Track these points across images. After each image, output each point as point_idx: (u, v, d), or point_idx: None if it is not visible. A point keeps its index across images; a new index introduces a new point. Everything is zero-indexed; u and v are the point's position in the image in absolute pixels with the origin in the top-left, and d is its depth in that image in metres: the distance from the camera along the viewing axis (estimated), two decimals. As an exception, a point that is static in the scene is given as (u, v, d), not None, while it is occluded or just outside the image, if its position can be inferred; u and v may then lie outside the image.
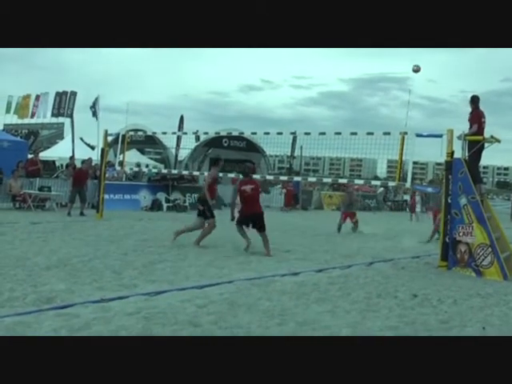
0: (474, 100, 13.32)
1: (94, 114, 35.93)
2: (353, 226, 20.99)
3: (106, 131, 21.72)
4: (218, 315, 7.23)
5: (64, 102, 41.98)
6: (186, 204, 27.90)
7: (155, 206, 26.79)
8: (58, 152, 35.24)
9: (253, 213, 14.03)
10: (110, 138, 22.82)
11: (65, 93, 42.15)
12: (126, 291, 8.37)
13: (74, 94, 41.08)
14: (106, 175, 22.91)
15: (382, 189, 44.28)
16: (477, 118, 13.08)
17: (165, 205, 27.01)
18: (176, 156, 36.38)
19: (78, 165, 27.90)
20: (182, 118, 37.29)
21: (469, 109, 13.37)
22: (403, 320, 7.67)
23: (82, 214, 21.16)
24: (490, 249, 12.12)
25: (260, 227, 13.88)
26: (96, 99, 36.98)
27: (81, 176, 22.33)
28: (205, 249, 13.56)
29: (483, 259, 12.17)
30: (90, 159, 24.85)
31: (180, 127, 35.78)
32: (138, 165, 29.53)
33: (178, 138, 33.10)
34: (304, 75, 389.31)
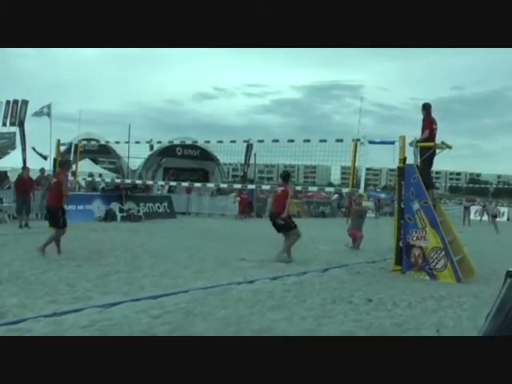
0: (426, 107, 13.51)
1: (48, 115, 35.44)
2: (353, 244, 18.67)
3: (59, 141, 21.49)
4: (173, 325, 7.20)
5: (15, 111, 41.38)
6: (141, 214, 27.67)
7: (109, 216, 26.49)
8: (9, 162, 34.65)
9: (272, 212, 15.13)
10: (62, 148, 22.54)
11: (16, 101, 41.53)
12: (80, 304, 8.26)
13: (25, 102, 40.51)
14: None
15: (336, 195, 44.60)
16: (429, 124, 13.26)
17: (119, 215, 26.75)
18: (127, 165, 36.11)
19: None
20: (129, 127, 37.07)
21: (420, 116, 13.54)
22: (358, 325, 7.73)
23: (26, 225, 20.73)
24: (443, 252, 12.30)
25: (280, 227, 14.59)
26: (49, 105, 36.50)
27: (23, 185, 21.81)
28: (160, 258, 13.47)
29: (437, 262, 12.34)
30: (27, 168, 24.52)
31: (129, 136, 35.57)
32: (91, 175, 29.22)
33: (128, 148, 32.91)
34: (257, 83, 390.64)
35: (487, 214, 41.76)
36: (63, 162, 15.81)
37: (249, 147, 33.91)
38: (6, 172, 31.70)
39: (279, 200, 14.78)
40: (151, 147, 31.76)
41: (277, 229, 14.72)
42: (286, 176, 15.05)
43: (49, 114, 35.02)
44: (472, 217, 45.08)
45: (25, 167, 27.79)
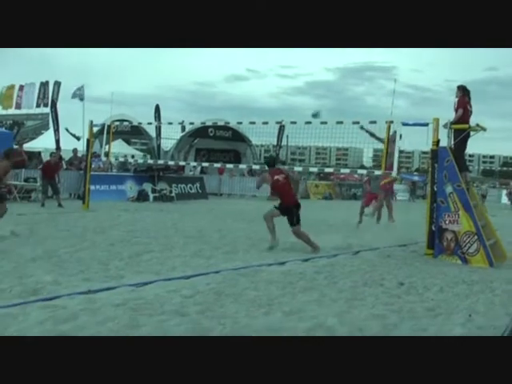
0: (460, 88, 13.34)
1: (81, 97, 35.75)
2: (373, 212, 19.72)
3: (91, 122, 21.62)
4: (204, 305, 7.23)
5: (47, 93, 41.71)
6: (173, 194, 27.84)
7: (141, 196, 26.70)
8: (43, 143, 35.02)
9: (289, 205, 13.08)
10: (95, 129, 22.71)
11: (47, 83, 41.87)
12: (113, 282, 8.34)
13: (57, 83, 40.82)
14: (92, 166, 22.78)
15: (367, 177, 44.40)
16: (462, 103, 13.10)
17: (151, 195, 26.95)
18: (159, 146, 36.26)
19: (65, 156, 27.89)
20: (157, 108, 37.11)
21: (453, 98, 13.39)
22: (389, 308, 7.69)
23: (59, 205, 21.06)
24: (475, 236, 12.18)
25: (292, 220, 12.95)
26: (82, 87, 36.78)
27: (49, 169, 22.19)
28: (192, 238, 13.55)
29: (469, 247, 12.24)
30: (58, 152, 24.84)
31: (156, 117, 35.71)
32: (124, 156, 29.43)
33: (158, 128, 33.07)
34: (290, 64, 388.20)
35: None
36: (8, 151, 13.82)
37: (281, 129, 33.87)
38: (39, 152, 32.09)
39: (289, 189, 13.47)
40: (183, 128, 31.84)
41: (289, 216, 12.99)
42: (273, 161, 14.08)
43: (82, 96, 35.35)
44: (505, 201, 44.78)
45: (58, 148, 28.14)
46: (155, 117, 35.67)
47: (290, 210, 12.91)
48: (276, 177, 12.98)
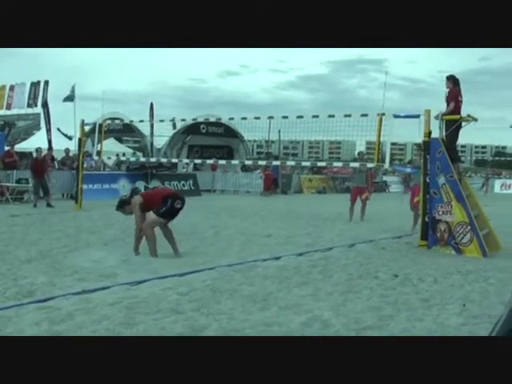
0: (450, 79, 13.35)
1: (72, 99, 35.66)
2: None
3: (83, 121, 21.55)
4: (200, 302, 7.24)
5: (38, 93, 41.57)
6: (166, 192, 27.81)
7: (134, 194, 26.59)
8: (34, 143, 34.92)
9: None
10: (86, 128, 22.63)
11: (38, 83, 41.72)
12: (108, 281, 8.34)
13: (46, 83, 40.64)
14: (84, 165, 22.69)
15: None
16: (454, 96, 13.13)
17: (144, 193, 26.92)
18: (151, 144, 36.23)
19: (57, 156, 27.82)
20: (151, 106, 37.19)
21: (445, 89, 13.41)
22: (385, 300, 7.73)
23: (48, 205, 20.92)
24: (469, 227, 12.22)
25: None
26: (73, 87, 36.69)
27: (38, 167, 22.01)
28: (186, 235, 13.55)
29: (463, 237, 12.27)
30: (49, 152, 24.83)
31: (150, 115, 35.69)
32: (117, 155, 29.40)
33: (151, 126, 33.06)
34: (282, 59, 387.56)
35: None
36: None
37: (272, 123, 33.86)
38: (30, 153, 32.03)
39: (159, 191, 13.11)
40: (174, 125, 31.80)
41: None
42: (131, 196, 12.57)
43: (73, 96, 35.25)
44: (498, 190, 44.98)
45: (50, 148, 28.07)
46: (150, 115, 35.64)
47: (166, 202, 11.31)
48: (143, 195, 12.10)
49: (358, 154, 20.96)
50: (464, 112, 13.26)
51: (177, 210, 11.39)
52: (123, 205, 11.76)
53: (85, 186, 21.98)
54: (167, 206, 11.17)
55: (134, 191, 12.52)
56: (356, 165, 20.33)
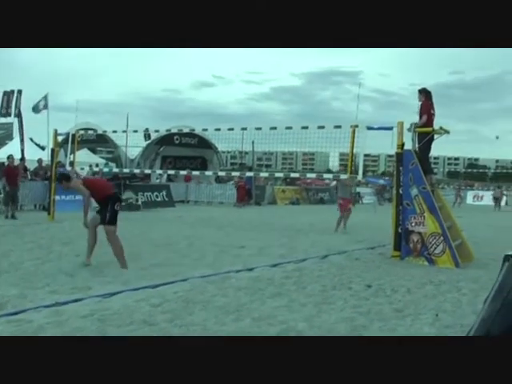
0: (422, 92, 13.49)
1: (44, 107, 35.39)
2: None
3: (56, 131, 21.40)
4: (173, 313, 7.21)
5: (11, 102, 41.21)
6: (139, 203, 27.65)
7: (64, 179, 26.33)
8: (7, 153, 34.60)
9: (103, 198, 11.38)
10: (60, 138, 22.47)
11: (12, 92, 41.37)
12: (80, 294, 8.26)
13: (20, 92, 40.30)
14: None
15: (334, 182, 44.70)
16: (426, 109, 13.25)
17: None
18: (125, 154, 36.13)
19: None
20: (127, 117, 37.39)
21: (418, 101, 13.53)
22: (358, 310, 7.75)
23: (12, 216, 20.61)
24: (441, 237, 12.31)
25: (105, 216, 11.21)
26: (45, 96, 36.42)
27: (11, 174, 21.68)
28: (160, 247, 13.49)
29: (435, 248, 12.36)
30: (22, 162, 24.59)
31: (127, 125, 35.68)
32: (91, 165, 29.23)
33: (126, 136, 32.94)
34: (256, 70, 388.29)
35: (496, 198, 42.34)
36: None
37: (245, 135, 33.92)
38: (3, 163, 31.71)
39: (104, 182, 12.72)
40: (147, 136, 31.70)
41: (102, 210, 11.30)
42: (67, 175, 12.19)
43: (46, 106, 34.95)
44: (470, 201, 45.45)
45: (22, 158, 27.81)
46: (127, 125, 35.59)
47: (105, 202, 11.09)
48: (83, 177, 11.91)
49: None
50: (436, 125, 13.40)
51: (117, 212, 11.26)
52: (62, 179, 11.60)
53: (57, 197, 21.77)
54: (110, 211, 11.03)
55: (63, 175, 11.99)
56: (329, 176, 20.40)
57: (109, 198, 11.12)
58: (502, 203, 42.08)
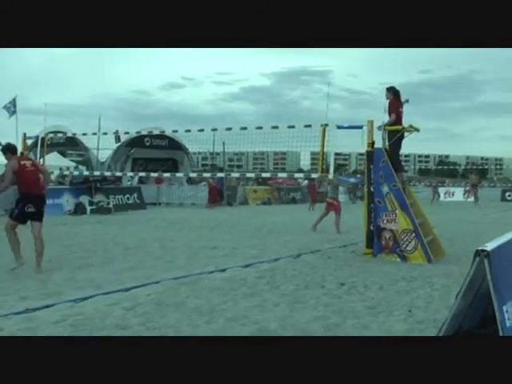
0: (391, 91, 13.55)
1: (13, 112, 34.96)
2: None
3: (25, 134, 21.16)
4: (146, 316, 7.16)
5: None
6: (110, 206, 27.46)
7: (79, 209, 26.27)
8: (-26, 158, 34.24)
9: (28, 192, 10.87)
10: (29, 141, 22.24)
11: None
12: (52, 299, 8.15)
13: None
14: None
15: (306, 181, 44.78)
16: (395, 107, 13.31)
17: (88, 208, 26.53)
18: (96, 157, 35.88)
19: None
20: (99, 119, 37.16)
21: (386, 100, 13.58)
22: (331, 309, 7.75)
23: None
24: (413, 234, 12.38)
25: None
26: (13, 99, 36.01)
27: None
28: (132, 250, 13.42)
29: (407, 244, 12.42)
30: None
31: (99, 128, 35.40)
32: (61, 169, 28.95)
33: (98, 139, 32.66)
34: (225, 71, 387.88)
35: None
36: None
37: (216, 135, 33.87)
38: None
39: (38, 179, 11.03)
40: (117, 138, 31.48)
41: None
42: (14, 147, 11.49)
43: (14, 109, 34.53)
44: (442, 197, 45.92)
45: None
46: (99, 127, 35.30)
47: (24, 198, 10.68)
48: (23, 162, 10.87)
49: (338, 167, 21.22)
50: (406, 122, 13.47)
51: (28, 214, 10.75)
52: (7, 150, 11.02)
53: (27, 202, 21.51)
54: (19, 209, 10.70)
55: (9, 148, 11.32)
56: (301, 175, 20.41)
57: (29, 196, 10.70)
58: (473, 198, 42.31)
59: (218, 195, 35.33)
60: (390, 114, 13.30)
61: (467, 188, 45.48)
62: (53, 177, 30.61)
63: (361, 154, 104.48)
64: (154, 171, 30.32)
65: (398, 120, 13.24)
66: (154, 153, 39.41)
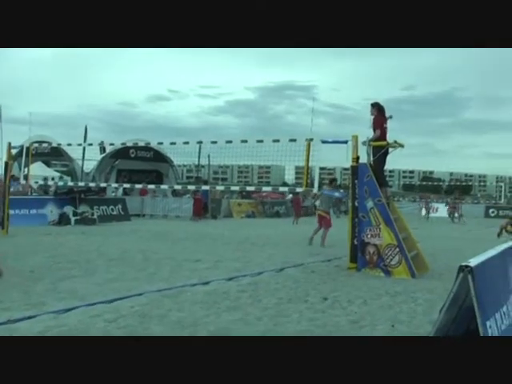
0: (375, 106, 13.65)
1: None
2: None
3: (10, 144, 21.08)
4: (128, 328, 7.13)
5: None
6: (95, 217, 27.34)
7: (63, 220, 26.11)
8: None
9: None
10: (13, 151, 22.13)
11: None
12: (34, 310, 8.10)
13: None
14: (11, 189, 22.13)
15: (290, 195, 44.78)
16: (379, 123, 13.40)
17: (72, 218, 26.39)
18: (81, 168, 35.75)
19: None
20: (86, 129, 36.87)
21: (370, 116, 13.66)
22: (314, 323, 7.76)
23: None
24: (397, 249, 12.43)
25: None
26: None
27: None
28: (115, 261, 13.37)
29: (391, 259, 12.47)
30: None
31: (84, 138, 35.25)
32: (45, 178, 28.84)
33: (83, 149, 32.55)
34: (211, 84, 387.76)
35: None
36: None
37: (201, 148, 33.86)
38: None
39: None
40: (102, 149, 31.40)
41: None
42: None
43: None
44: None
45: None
46: (84, 138, 35.15)
47: None
48: None
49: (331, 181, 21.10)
50: (390, 138, 13.55)
51: None
52: None
53: (11, 212, 21.44)
54: None
55: None
56: (285, 189, 20.43)
57: None
58: (456, 214, 42.40)
59: (203, 208, 35.28)
60: (374, 130, 13.39)
61: (450, 205, 45.49)
62: (35, 186, 30.51)
63: (345, 169, 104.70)
64: (139, 183, 30.27)
65: (382, 136, 13.33)
66: (139, 164, 39.32)
